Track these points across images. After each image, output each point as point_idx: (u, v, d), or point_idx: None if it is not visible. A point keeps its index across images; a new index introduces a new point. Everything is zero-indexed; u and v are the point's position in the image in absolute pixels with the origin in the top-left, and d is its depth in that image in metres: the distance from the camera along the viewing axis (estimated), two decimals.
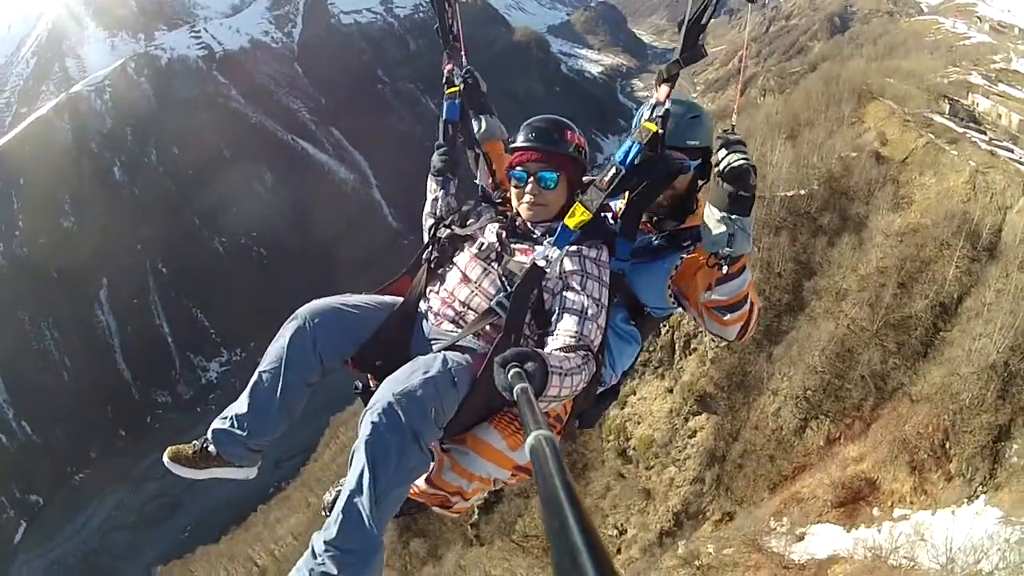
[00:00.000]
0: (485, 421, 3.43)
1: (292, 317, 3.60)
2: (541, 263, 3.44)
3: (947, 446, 23.35)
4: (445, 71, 4.48)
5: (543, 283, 3.49)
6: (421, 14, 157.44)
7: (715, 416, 30.28)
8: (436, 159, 4.31)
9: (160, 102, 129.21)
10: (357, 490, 2.91)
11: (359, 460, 2.92)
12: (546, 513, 1.00)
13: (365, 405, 3.20)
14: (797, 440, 27.85)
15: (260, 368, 3.57)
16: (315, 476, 55.51)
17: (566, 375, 2.99)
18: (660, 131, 3.54)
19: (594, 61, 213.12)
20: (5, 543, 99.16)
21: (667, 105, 3.59)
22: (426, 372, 3.15)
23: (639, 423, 32.68)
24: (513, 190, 3.81)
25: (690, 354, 31.93)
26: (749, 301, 3.63)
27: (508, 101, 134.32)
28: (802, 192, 31.69)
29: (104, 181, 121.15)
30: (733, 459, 29.15)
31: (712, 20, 3.48)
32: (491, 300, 3.54)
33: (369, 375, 3.74)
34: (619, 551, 31.09)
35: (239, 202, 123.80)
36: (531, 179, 3.69)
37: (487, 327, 3.51)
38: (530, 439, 1.29)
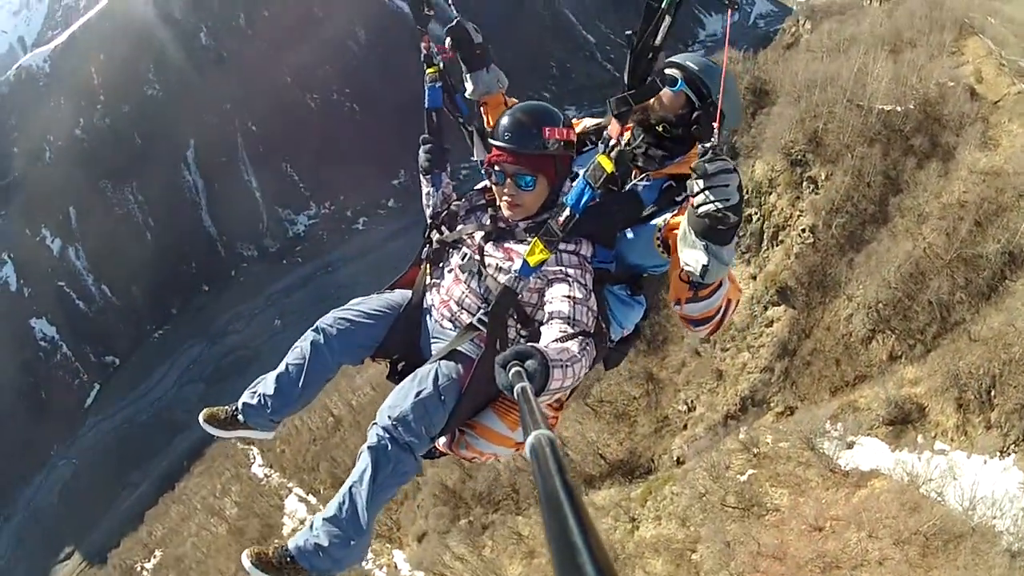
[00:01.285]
0: (488, 407, 3.78)
1: (313, 328, 4.08)
2: (511, 284, 3.61)
3: (992, 394, 24.13)
4: (422, 48, 4.47)
5: (520, 294, 3.68)
6: None
7: (792, 310, 31.78)
8: (422, 157, 4.39)
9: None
10: (358, 482, 3.53)
11: (364, 461, 3.53)
12: (546, 513, 1.05)
13: (393, 382, 3.93)
14: (863, 349, 29.27)
15: (287, 360, 4.10)
16: None
17: (567, 365, 3.14)
18: (615, 172, 3.55)
19: None
20: (76, 407, 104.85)
21: (621, 144, 3.60)
22: (418, 394, 3.55)
23: None
24: (493, 186, 3.92)
25: (777, 245, 33.26)
26: (723, 310, 3.69)
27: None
28: (899, 109, 32.21)
29: (189, 46, 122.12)
30: (803, 355, 30.75)
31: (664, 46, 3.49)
32: (473, 316, 3.81)
33: (390, 363, 4.24)
34: (686, 427, 33.27)
35: (332, 60, 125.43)
36: (508, 180, 3.78)
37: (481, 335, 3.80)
38: (530, 439, 1.34)
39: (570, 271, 3.66)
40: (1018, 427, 23.22)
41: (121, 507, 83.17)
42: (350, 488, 3.61)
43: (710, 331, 3.85)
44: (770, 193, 34.01)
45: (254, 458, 62.47)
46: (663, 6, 3.17)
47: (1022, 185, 27.97)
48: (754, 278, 33.88)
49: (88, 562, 75.02)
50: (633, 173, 4.01)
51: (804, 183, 33.01)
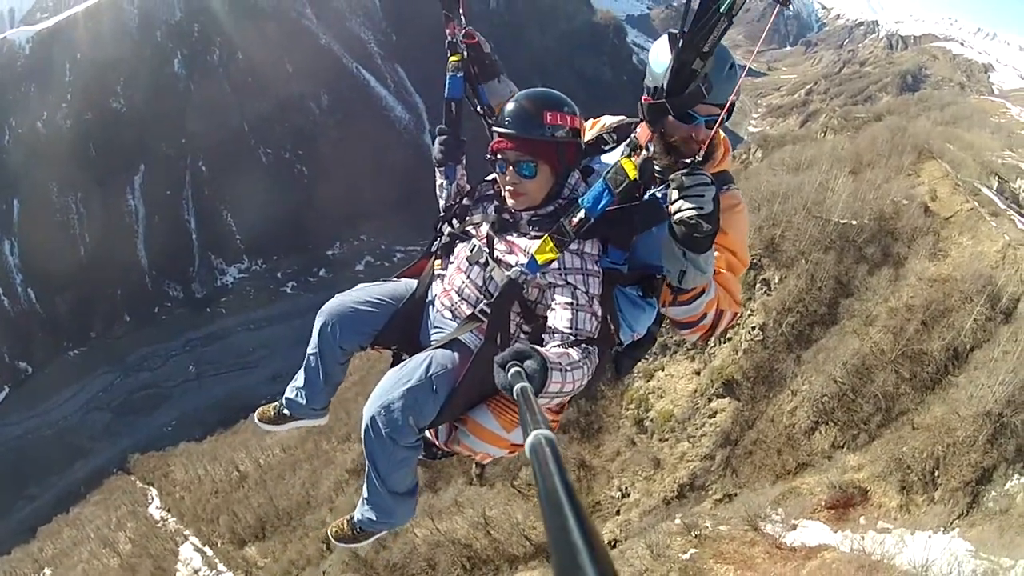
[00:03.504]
0: (483, 403, 3.84)
1: (320, 313, 4.29)
2: (518, 278, 3.70)
3: (936, 475, 26.20)
4: (447, 34, 4.51)
5: (525, 289, 3.77)
6: None
7: (737, 402, 33.53)
8: (436, 148, 4.43)
9: (232, 5, 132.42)
10: (372, 470, 3.96)
11: (364, 448, 3.87)
12: (546, 512, 1.10)
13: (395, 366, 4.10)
14: (805, 440, 31.09)
15: (307, 351, 4.38)
16: None
17: (566, 370, 3.29)
18: (638, 179, 3.60)
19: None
20: None
21: (649, 151, 3.64)
22: (408, 382, 3.69)
23: (662, 397, 36.07)
24: (496, 175, 3.97)
25: (725, 343, 35.28)
26: (712, 316, 3.87)
27: (575, 77, 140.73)
28: (854, 222, 35.34)
29: (162, 71, 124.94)
30: (745, 445, 32.36)
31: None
32: (473, 307, 3.90)
33: (392, 352, 4.38)
34: (618, 512, 34.34)
35: (291, 118, 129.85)
36: (510, 168, 3.81)
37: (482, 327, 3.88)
38: (530, 439, 1.40)
39: (571, 276, 3.68)
40: (963, 503, 25.14)
41: (14, 517, 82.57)
42: (367, 476, 4.06)
43: (700, 335, 4.04)
44: None
45: (152, 499, 62.25)
46: (721, 9, 3.02)
47: (968, 289, 30.63)
48: (698, 373, 35.95)
49: None
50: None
51: (757, 285, 35.37)
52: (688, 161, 3.34)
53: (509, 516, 35.46)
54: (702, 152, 3.41)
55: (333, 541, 4.66)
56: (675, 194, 3.26)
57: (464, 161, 4.51)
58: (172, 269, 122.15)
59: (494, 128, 3.92)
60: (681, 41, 3.16)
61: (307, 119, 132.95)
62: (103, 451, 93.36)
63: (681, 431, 35.20)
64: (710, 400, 34.85)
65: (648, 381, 37.38)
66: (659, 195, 3.76)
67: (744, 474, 32.14)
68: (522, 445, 3.51)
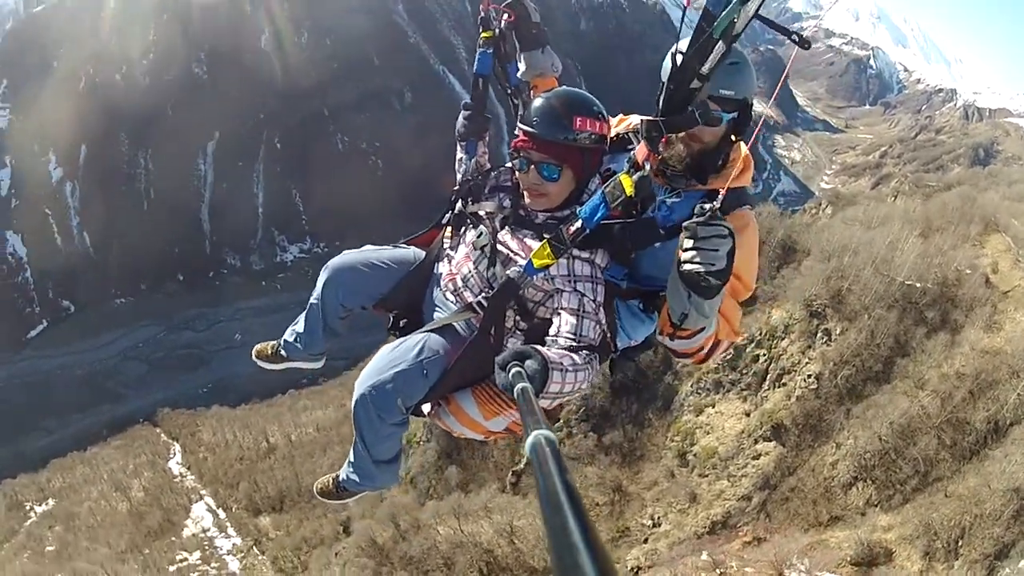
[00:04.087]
0: (467, 388, 3.90)
1: (325, 268, 4.41)
2: (516, 278, 3.75)
3: (959, 544, 26.36)
4: (481, 10, 4.48)
5: (523, 289, 3.84)
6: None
7: (782, 448, 33.83)
8: (460, 121, 4.45)
9: None
10: (359, 440, 4.12)
11: (353, 420, 4.00)
12: (546, 512, 1.11)
13: (392, 336, 4.27)
14: (842, 494, 31.30)
15: (311, 299, 4.52)
16: (354, 380, 58.71)
17: (567, 371, 3.30)
18: (634, 196, 3.61)
19: None
20: (18, 332, 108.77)
21: (646, 169, 3.71)
22: (399, 365, 3.79)
23: (708, 433, 36.51)
24: (516, 172, 3.95)
25: (779, 387, 35.75)
26: (706, 348, 3.81)
27: (652, 108, 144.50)
28: (918, 284, 35.74)
29: (247, 45, 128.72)
30: (783, 491, 32.66)
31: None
32: (476, 295, 4.00)
33: (392, 316, 4.45)
34: (647, 540, 34.69)
35: (372, 109, 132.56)
36: (532, 168, 3.80)
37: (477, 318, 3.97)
38: (530, 439, 1.41)
39: (580, 284, 3.71)
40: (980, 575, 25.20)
41: (28, 445, 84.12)
42: (354, 443, 4.21)
43: (693, 361, 4.00)
44: (783, 338, 36.64)
45: (174, 454, 64.05)
46: (715, 35, 3.12)
47: (1017, 364, 30.69)
48: (748, 414, 36.33)
49: None
50: (662, 187, 3.91)
51: (819, 334, 35.60)
52: (707, 207, 3.13)
53: (536, 528, 35.51)
54: (719, 199, 3.17)
55: (317, 496, 4.86)
56: (687, 243, 3.14)
57: (487, 139, 4.60)
58: (233, 238, 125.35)
59: (520, 125, 3.91)
60: (679, 62, 3.31)
61: (387, 112, 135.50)
62: (133, 400, 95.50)
63: (722, 469, 35.53)
64: (756, 442, 35.15)
65: (697, 416, 37.73)
66: (666, 201, 3.83)
67: (777, 519, 32.39)
68: (499, 432, 4.06)
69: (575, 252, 3.75)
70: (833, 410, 34.17)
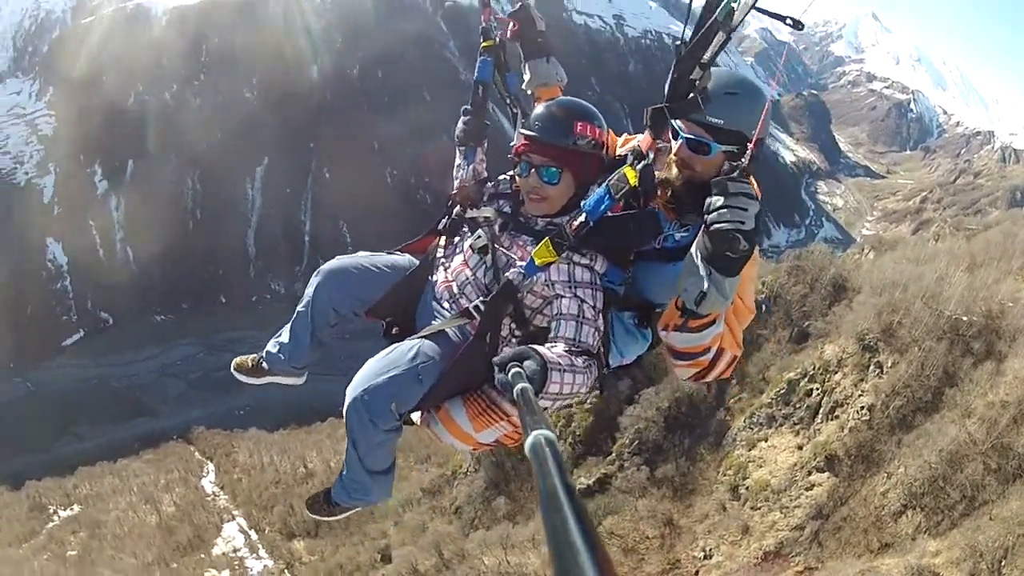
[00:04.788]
0: (459, 398, 3.87)
1: (316, 272, 4.47)
2: (515, 279, 3.84)
3: (1002, 564, 26.76)
4: (482, 20, 4.72)
5: (521, 292, 3.93)
6: (649, 40, 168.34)
7: (835, 478, 34.52)
8: (459, 126, 4.60)
9: (379, 21, 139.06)
10: (352, 449, 4.06)
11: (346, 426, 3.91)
12: (545, 512, 1.11)
13: (386, 342, 4.25)
14: (892, 522, 32.01)
15: (298, 307, 4.56)
16: None
17: (566, 372, 3.35)
18: (638, 187, 3.74)
19: (790, 149, 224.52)
20: (53, 339, 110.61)
21: (650, 158, 3.82)
22: (393, 370, 3.77)
23: (761, 467, 37.31)
24: (518, 178, 4.08)
25: (832, 420, 36.65)
26: (712, 352, 3.77)
27: None
28: (965, 317, 36.48)
29: (299, 75, 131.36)
30: (835, 520, 33.41)
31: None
32: (472, 300, 4.04)
33: (384, 323, 4.45)
34: (697, 573, 35.33)
35: (421, 143, 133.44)
36: (533, 171, 3.94)
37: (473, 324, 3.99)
38: (530, 439, 1.42)
39: (580, 290, 3.80)
40: None
41: (56, 450, 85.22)
42: (346, 453, 4.13)
43: (694, 373, 3.89)
44: (836, 372, 37.65)
45: (208, 472, 63.90)
46: (718, 17, 3.21)
47: None
48: (801, 447, 37.15)
49: None
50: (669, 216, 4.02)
51: (871, 366, 36.65)
52: (735, 164, 3.25)
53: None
54: (748, 157, 3.38)
55: (307, 512, 4.79)
56: (717, 200, 3.18)
57: (485, 146, 4.71)
58: (278, 264, 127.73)
59: (521, 131, 4.08)
60: (682, 51, 3.41)
61: (436, 148, 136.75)
62: (168, 416, 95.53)
63: (775, 501, 36.14)
64: (809, 473, 35.80)
65: (750, 450, 38.54)
66: (674, 235, 3.96)
67: (829, 548, 33.10)
68: (487, 445, 3.99)
69: (575, 258, 3.84)
70: (885, 440, 34.99)
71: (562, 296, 3.82)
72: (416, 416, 4.10)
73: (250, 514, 53.26)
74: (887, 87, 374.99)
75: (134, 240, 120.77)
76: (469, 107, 4.64)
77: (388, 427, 3.88)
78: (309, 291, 4.52)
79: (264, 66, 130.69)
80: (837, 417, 36.87)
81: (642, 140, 3.93)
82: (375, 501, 4.49)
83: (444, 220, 4.50)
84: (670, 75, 3.55)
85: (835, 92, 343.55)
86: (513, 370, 2.96)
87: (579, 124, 3.96)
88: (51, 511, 55.88)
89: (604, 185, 3.79)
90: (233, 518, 53.63)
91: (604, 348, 3.91)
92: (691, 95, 3.53)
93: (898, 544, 31.66)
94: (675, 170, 3.97)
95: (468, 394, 3.86)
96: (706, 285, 3.25)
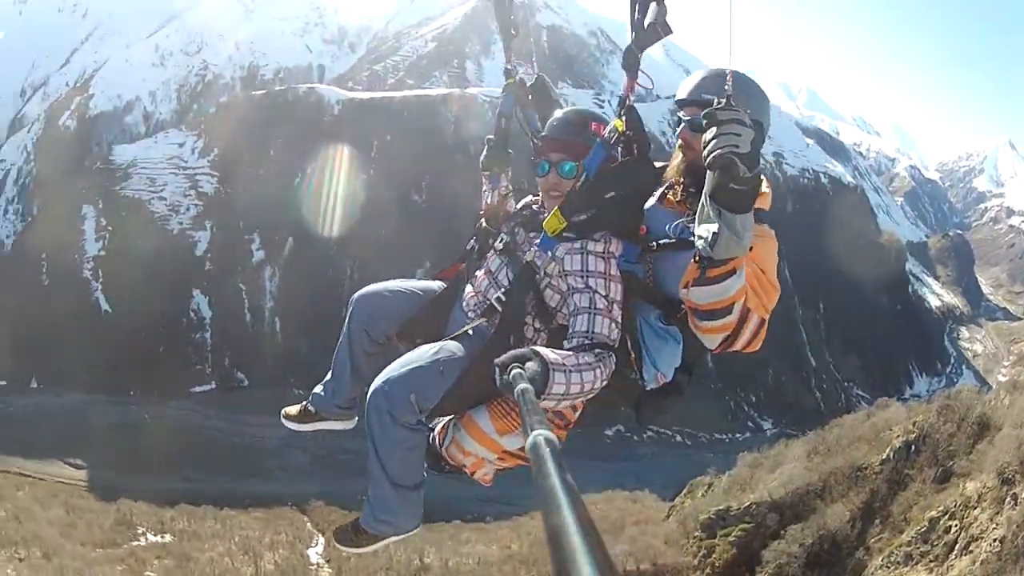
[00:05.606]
0: (483, 403, 3.96)
1: (350, 301, 4.59)
2: (538, 261, 4.00)
3: None
4: (506, 61, 5.09)
5: (544, 280, 4.04)
6: (807, 180, 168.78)
7: None
8: (484, 154, 4.90)
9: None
10: (372, 453, 4.02)
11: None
12: (545, 512, 1.12)
13: None
14: None
15: (338, 343, 4.63)
16: (522, 526, 57.40)
17: (571, 371, 3.39)
18: (627, 131, 3.98)
19: (935, 294, 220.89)
20: (179, 382, 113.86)
21: (631, 99, 4.07)
22: (416, 363, 3.89)
23: None
24: (538, 181, 4.23)
25: (966, 555, 37.09)
26: (738, 312, 3.60)
27: (848, 298, 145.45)
28: None
29: (467, 183, 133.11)
30: None
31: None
32: (493, 297, 4.16)
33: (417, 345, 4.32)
34: None
35: None
36: (551, 169, 4.10)
37: (496, 319, 4.11)
38: (530, 439, 1.45)
39: (592, 280, 3.86)
40: None
41: (160, 483, 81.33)
42: (368, 462, 4.14)
43: (724, 333, 3.72)
44: (975, 508, 39.40)
45: (317, 543, 59.51)
46: None
47: None
48: None
49: (90, 487, 78.41)
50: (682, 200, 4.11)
51: (1007, 499, 38.68)
52: (722, 98, 3.28)
53: None
54: (730, 87, 3.40)
55: (335, 543, 4.77)
56: (710, 132, 3.22)
57: (510, 174, 4.94)
58: None
59: (541, 135, 4.30)
60: None
61: None
62: (285, 483, 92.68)
63: None
64: None
65: None
66: (688, 227, 3.92)
67: None
68: (513, 454, 4.09)
69: (589, 246, 3.91)
70: (1010, 570, 36.05)
71: (575, 289, 3.88)
72: (442, 442, 4.22)
73: None
74: None
75: (284, 313, 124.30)
76: (492, 136, 4.98)
77: (407, 422, 3.90)
78: (345, 325, 4.63)
79: (434, 171, 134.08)
80: (970, 552, 38.33)
81: (623, 86, 4.24)
82: (404, 527, 4.41)
83: (471, 241, 4.69)
84: (630, 13, 3.99)
85: (978, 231, 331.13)
86: (514, 371, 3.05)
87: (593, 123, 4.18)
88: (139, 531, 54.66)
89: (598, 141, 4.02)
90: None
91: (635, 356, 3.97)
92: (648, 24, 3.94)
93: None
94: (679, 158, 4.14)
95: (492, 399, 3.94)
96: (717, 226, 3.26)
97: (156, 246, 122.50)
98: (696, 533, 34.08)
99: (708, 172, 3.27)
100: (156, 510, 59.83)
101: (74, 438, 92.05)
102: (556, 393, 3.33)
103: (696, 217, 3.40)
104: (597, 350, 3.66)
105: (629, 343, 3.93)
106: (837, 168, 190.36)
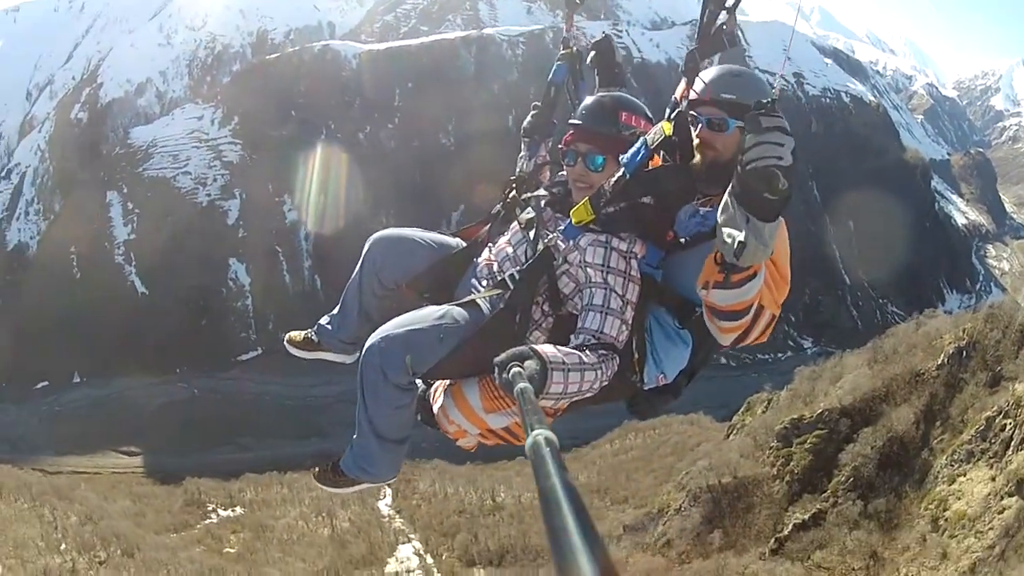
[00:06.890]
0: (475, 377, 4.00)
1: (368, 240, 4.64)
2: (554, 244, 4.01)
3: None
4: (565, 29, 5.15)
5: (560, 268, 4.05)
6: (828, 99, 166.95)
7: (1023, 500, 33.09)
8: (527, 119, 4.95)
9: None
10: (361, 403, 4.13)
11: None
12: (545, 513, 1.13)
13: None
14: None
15: (349, 280, 4.74)
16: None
17: (571, 371, 3.45)
18: (673, 135, 3.96)
19: (961, 211, 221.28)
20: (226, 353, 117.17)
21: (682, 105, 4.06)
22: (417, 324, 3.94)
23: (959, 499, 36.27)
24: (566, 168, 4.29)
25: (1022, 450, 34.24)
26: (752, 311, 3.69)
27: (877, 216, 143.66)
28: None
29: (493, 122, 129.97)
30: (1018, 539, 31.65)
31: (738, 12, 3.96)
32: (507, 273, 4.17)
33: (425, 300, 4.48)
34: None
35: None
36: (580, 159, 4.12)
37: (507, 295, 4.08)
38: (530, 439, 1.45)
39: (611, 276, 3.92)
40: None
41: (216, 455, 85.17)
42: (357, 410, 4.24)
43: (736, 335, 3.83)
44: None
45: (385, 495, 60.75)
46: None
47: None
48: (994, 479, 36.36)
49: (147, 472, 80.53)
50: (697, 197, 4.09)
51: None
52: (765, 101, 3.23)
53: None
54: (775, 92, 3.52)
55: (313, 482, 4.89)
56: (750, 138, 3.15)
57: (549, 144, 5.02)
58: None
59: (569, 121, 4.29)
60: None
61: None
62: (343, 439, 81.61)
63: (970, 528, 35.81)
64: (1001, 499, 35.32)
65: (950, 485, 38.16)
66: (700, 210, 4.06)
67: (1011, 563, 31.20)
68: (498, 431, 4.20)
69: (614, 243, 3.97)
70: None
71: (592, 283, 3.93)
72: (437, 402, 4.21)
73: (428, 539, 52.00)
74: None
75: (323, 271, 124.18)
76: (539, 103, 5.09)
77: (398, 382, 3.98)
78: (359, 263, 4.75)
79: (458, 113, 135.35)
80: None
81: (678, 92, 4.29)
82: (381, 476, 4.55)
83: (499, 206, 4.74)
84: (699, 21, 4.19)
85: (998, 149, 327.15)
86: (513, 370, 3.10)
87: (624, 114, 4.21)
88: (210, 508, 55.85)
89: (640, 140, 4.00)
90: (409, 540, 52.23)
91: (639, 357, 4.04)
92: (713, 31, 4.12)
93: None
94: (699, 156, 4.04)
95: (485, 374, 3.94)
96: (743, 235, 3.20)
97: (186, 221, 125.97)
98: (772, 444, 35.68)
99: (738, 176, 3.24)
100: (222, 484, 62.03)
101: (124, 426, 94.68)
102: (554, 392, 3.43)
103: (719, 214, 3.38)
104: (601, 351, 3.78)
105: (635, 344, 4.01)
106: (857, 87, 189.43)
